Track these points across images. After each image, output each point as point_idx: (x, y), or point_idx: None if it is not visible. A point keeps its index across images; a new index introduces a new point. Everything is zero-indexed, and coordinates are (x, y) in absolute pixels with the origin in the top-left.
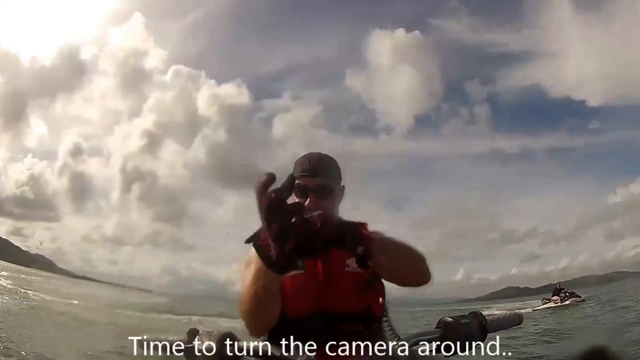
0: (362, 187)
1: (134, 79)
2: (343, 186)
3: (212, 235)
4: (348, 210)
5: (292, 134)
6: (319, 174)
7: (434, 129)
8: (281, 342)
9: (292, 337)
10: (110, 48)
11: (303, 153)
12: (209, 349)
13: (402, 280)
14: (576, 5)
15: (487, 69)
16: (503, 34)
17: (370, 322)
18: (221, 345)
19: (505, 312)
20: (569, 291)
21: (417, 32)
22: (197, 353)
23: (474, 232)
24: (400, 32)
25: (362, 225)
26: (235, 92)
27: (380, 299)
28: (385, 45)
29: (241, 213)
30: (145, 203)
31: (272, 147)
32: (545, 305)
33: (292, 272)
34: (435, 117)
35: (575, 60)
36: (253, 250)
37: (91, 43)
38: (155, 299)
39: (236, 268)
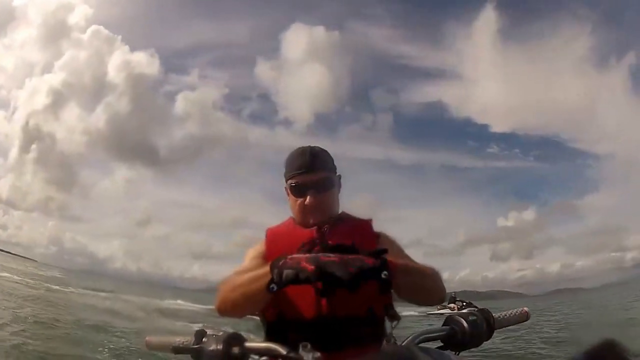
0: (254, 177)
1: (55, 33)
2: (339, 175)
3: (98, 207)
4: (231, 195)
5: (193, 113)
6: (316, 168)
7: (333, 129)
8: (287, 342)
9: (296, 339)
10: None
11: (200, 133)
12: (217, 350)
13: (421, 300)
14: (497, 36)
15: (396, 79)
16: (419, 49)
17: (376, 325)
18: (228, 346)
19: (512, 309)
20: (465, 301)
21: (337, 32)
22: (205, 354)
23: None
24: (320, 30)
25: (367, 223)
26: (146, 62)
27: (384, 298)
28: (302, 40)
29: (129, 188)
30: (40, 166)
31: (171, 124)
32: (441, 311)
33: None
34: (336, 119)
35: (485, 86)
36: (263, 240)
37: None
38: (47, 271)
39: (117, 244)
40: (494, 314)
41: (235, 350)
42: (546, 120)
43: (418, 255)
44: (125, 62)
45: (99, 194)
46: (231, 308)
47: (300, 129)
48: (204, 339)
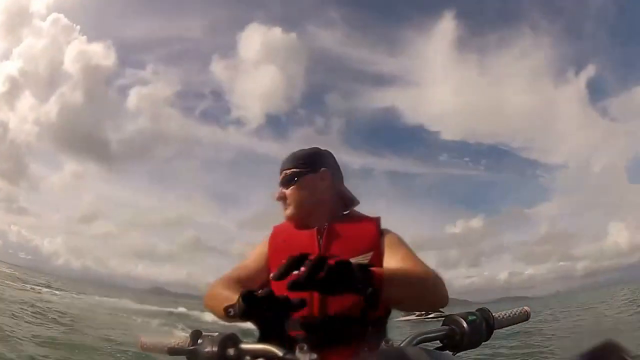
0: (202, 176)
1: (16, 20)
2: (324, 170)
3: (45, 201)
4: (177, 194)
5: (145, 109)
6: (286, 166)
7: (283, 131)
8: (282, 342)
9: (289, 339)
10: None
11: (151, 129)
12: (212, 352)
13: (416, 308)
14: (454, 45)
15: (351, 84)
16: (376, 54)
17: (372, 325)
18: (224, 348)
19: (511, 309)
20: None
21: (294, 34)
22: (200, 355)
23: None
24: (277, 31)
25: (376, 221)
26: (102, 53)
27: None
28: (258, 40)
29: (76, 182)
30: None
31: (123, 118)
32: (406, 318)
33: None
34: (287, 121)
35: (439, 94)
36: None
37: None
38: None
39: (60, 241)
40: (493, 314)
41: (231, 351)
42: (499, 129)
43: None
44: (82, 52)
45: (47, 187)
46: (209, 310)
47: (251, 130)
48: (199, 340)
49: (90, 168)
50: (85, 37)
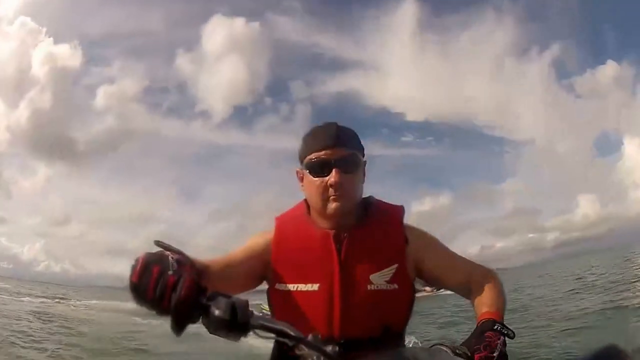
0: (167, 171)
1: None
2: (366, 161)
3: (20, 208)
4: (143, 190)
5: (112, 106)
6: (344, 144)
7: (249, 122)
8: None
9: None
10: None
11: (118, 127)
12: (225, 314)
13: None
14: (415, 27)
15: (313, 71)
16: (337, 40)
17: (392, 342)
18: (240, 313)
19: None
20: None
21: (257, 24)
22: (212, 314)
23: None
24: (240, 22)
25: (400, 223)
26: (68, 53)
27: (406, 313)
28: (222, 32)
29: (49, 186)
30: None
31: (91, 118)
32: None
33: None
34: (254, 111)
35: (401, 77)
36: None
37: None
38: None
39: (39, 246)
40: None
41: (246, 319)
42: (463, 109)
43: None
44: (49, 54)
45: (20, 193)
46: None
47: (217, 122)
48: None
49: (59, 170)
50: (51, 38)
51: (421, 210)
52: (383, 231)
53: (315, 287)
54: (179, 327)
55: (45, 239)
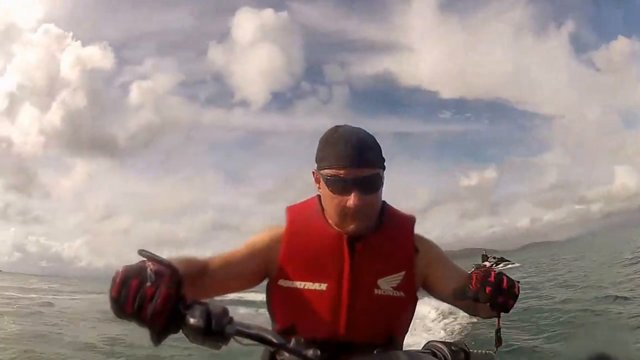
0: (212, 159)
1: (5, 36)
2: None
3: (60, 207)
4: (190, 178)
5: (148, 102)
6: (366, 163)
7: (289, 105)
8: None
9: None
10: None
11: (156, 120)
12: (200, 322)
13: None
14: (436, 7)
15: (345, 54)
16: (363, 23)
17: (390, 347)
18: (217, 320)
19: (481, 350)
20: (497, 257)
21: (284, 13)
22: (188, 323)
23: None
24: (268, 12)
25: (411, 232)
26: (99, 55)
27: (408, 322)
28: (250, 23)
29: (89, 183)
30: None
31: (128, 114)
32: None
33: None
34: (292, 95)
35: (430, 56)
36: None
37: None
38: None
39: (80, 243)
40: (469, 349)
41: (223, 327)
42: (492, 85)
43: None
44: (78, 57)
45: (60, 192)
46: None
47: (257, 108)
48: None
49: (100, 167)
50: (79, 42)
51: (470, 185)
52: (395, 238)
53: (324, 286)
54: (157, 338)
55: (87, 236)
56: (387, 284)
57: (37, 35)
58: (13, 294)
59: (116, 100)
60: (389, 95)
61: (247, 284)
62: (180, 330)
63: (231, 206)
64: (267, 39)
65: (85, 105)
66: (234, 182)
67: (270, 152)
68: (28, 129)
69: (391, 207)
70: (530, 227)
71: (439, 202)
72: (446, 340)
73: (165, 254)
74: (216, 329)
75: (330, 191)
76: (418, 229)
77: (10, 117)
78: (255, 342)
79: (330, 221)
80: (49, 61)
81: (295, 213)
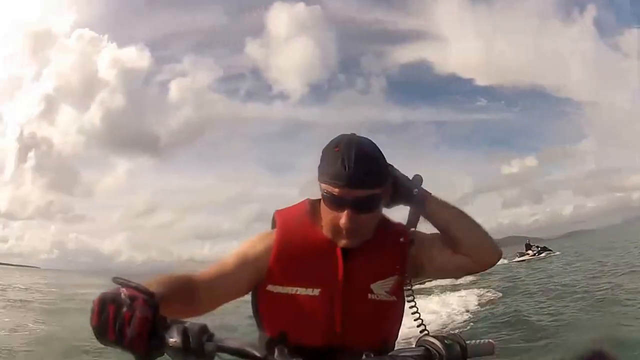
0: (254, 151)
1: (40, 43)
2: (390, 174)
3: (101, 204)
4: (233, 172)
5: (187, 98)
6: (360, 184)
7: (327, 97)
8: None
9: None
10: (19, 12)
11: (196, 116)
12: (179, 342)
13: (473, 259)
14: None
15: (379, 44)
16: (392, 15)
17: (383, 351)
18: (195, 339)
19: (479, 340)
20: (540, 246)
21: (317, 6)
22: (166, 344)
23: None
24: (301, 6)
25: (402, 226)
26: (135, 56)
27: (398, 326)
28: (285, 18)
29: (130, 180)
30: (39, 173)
31: (168, 111)
32: (522, 258)
33: None
34: (329, 87)
35: (462, 45)
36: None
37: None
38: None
39: (121, 238)
40: (466, 342)
41: (203, 345)
42: (523, 71)
43: None
44: (115, 59)
45: (102, 190)
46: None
47: (296, 100)
48: (167, 328)
49: (142, 164)
50: (114, 44)
51: (512, 173)
52: (387, 242)
53: (317, 291)
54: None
55: (128, 232)
56: (380, 288)
57: (71, 40)
58: (53, 290)
59: (156, 98)
60: (425, 85)
61: (241, 292)
62: (165, 353)
63: (275, 197)
64: (302, 32)
65: (124, 105)
66: (276, 173)
67: (310, 143)
68: (67, 129)
69: (384, 215)
70: (572, 215)
71: (482, 190)
72: (439, 335)
73: (208, 246)
74: (194, 347)
75: (326, 205)
76: None
77: (48, 118)
78: (237, 357)
79: (324, 227)
80: (84, 64)
81: (285, 218)
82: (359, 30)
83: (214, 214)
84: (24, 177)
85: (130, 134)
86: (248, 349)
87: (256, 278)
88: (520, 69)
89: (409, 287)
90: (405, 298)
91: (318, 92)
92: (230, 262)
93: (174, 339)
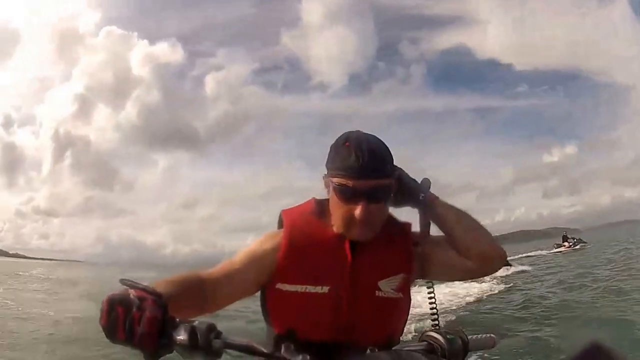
0: (293, 143)
1: (67, 43)
2: (396, 171)
3: (142, 198)
4: (271, 165)
5: (224, 92)
6: (374, 174)
7: (368, 87)
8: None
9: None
10: (43, 13)
11: (234, 109)
12: (187, 340)
13: (477, 264)
14: None
15: (417, 30)
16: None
17: (389, 348)
18: (204, 337)
19: (480, 334)
20: (576, 238)
21: None
22: (175, 343)
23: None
24: None
25: (408, 225)
26: (169, 51)
27: (404, 324)
28: (319, 8)
29: (171, 174)
30: (76, 170)
31: (205, 105)
32: (557, 250)
33: None
34: (370, 76)
35: (499, 29)
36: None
37: (24, 10)
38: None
39: (165, 231)
40: (468, 336)
41: (212, 343)
42: (562, 55)
43: (470, 200)
44: (147, 55)
45: (141, 185)
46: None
47: (334, 91)
48: (176, 327)
49: (181, 158)
50: (145, 40)
51: (552, 161)
52: (393, 240)
53: (325, 289)
54: (150, 359)
55: (171, 225)
56: (387, 286)
57: (99, 38)
58: (97, 282)
59: (191, 93)
60: (465, 71)
61: (250, 291)
62: (174, 350)
63: (314, 190)
64: (338, 22)
65: (160, 100)
66: (315, 166)
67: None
68: (103, 127)
69: (391, 214)
70: (611, 205)
71: (523, 180)
72: (441, 330)
73: (251, 238)
74: (202, 344)
75: (339, 199)
76: (504, 207)
77: (82, 117)
78: (245, 353)
79: (333, 225)
80: (115, 61)
81: (293, 216)
82: (395, 17)
83: (252, 208)
84: (62, 175)
85: (168, 130)
86: (255, 345)
87: (265, 277)
88: (559, 53)
89: (430, 285)
90: (427, 293)
91: (357, 82)
92: (238, 262)
93: (182, 337)
